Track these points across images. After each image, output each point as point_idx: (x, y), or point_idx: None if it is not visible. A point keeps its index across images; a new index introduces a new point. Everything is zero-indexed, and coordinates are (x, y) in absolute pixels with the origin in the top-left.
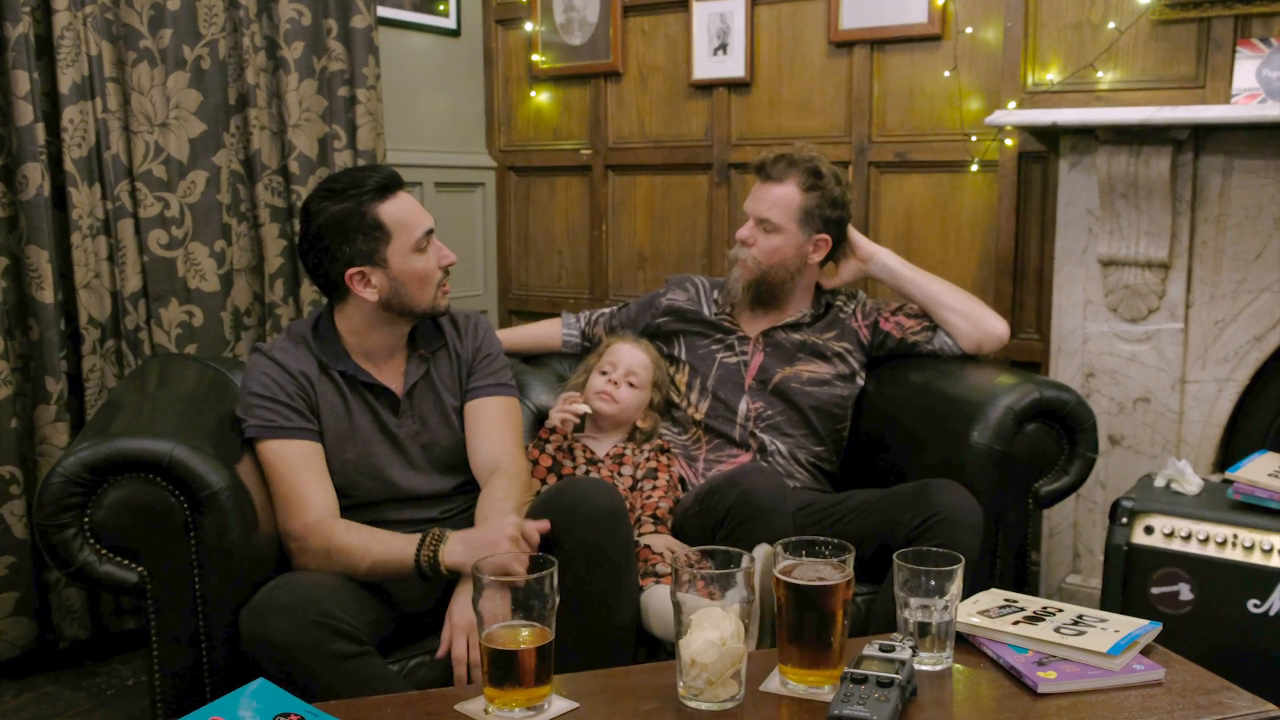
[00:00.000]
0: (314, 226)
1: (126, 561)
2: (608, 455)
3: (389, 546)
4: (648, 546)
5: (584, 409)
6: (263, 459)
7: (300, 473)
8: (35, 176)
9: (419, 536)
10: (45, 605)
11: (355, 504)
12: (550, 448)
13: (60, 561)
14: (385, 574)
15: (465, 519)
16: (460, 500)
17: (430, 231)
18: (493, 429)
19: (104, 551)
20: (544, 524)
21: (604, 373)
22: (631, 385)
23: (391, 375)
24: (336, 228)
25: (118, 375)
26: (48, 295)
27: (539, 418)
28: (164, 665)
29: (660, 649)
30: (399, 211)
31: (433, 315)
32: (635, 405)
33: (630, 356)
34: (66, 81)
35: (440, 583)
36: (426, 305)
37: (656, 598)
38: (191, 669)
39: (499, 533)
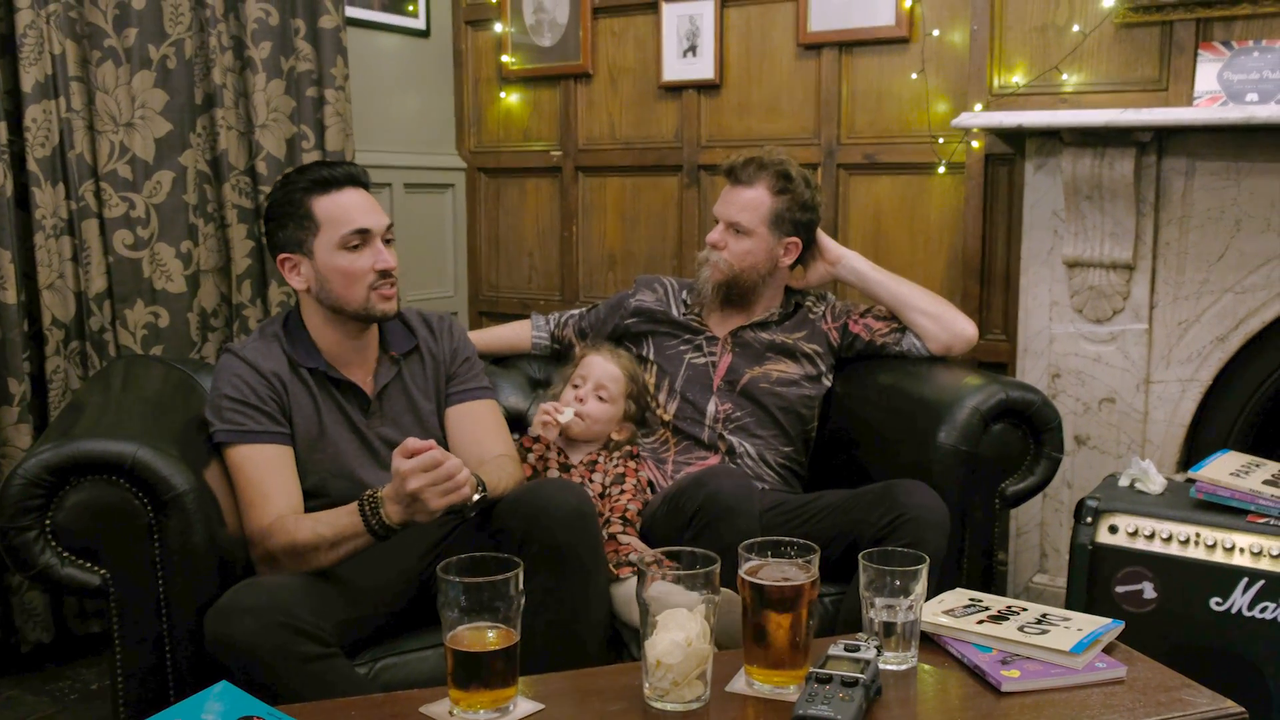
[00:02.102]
0: (265, 211)
1: (89, 564)
2: (581, 463)
3: (337, 525)
4: (614, 538)
5: (568, 415)
6: (230, 463)
7: (265, 476)
8: None
9: (356, 508)
10: (7, 608)
11: (329, 505)
12: (532, 457)
13: (21, 564)
14: (350, 550)
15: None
16: None
17: (364, 231)
18: (484, 431)
19: (66, 554)
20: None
21: (575, 385)
22: (601, 399)
23: (362, 375)
24: (275, 212)
25: (82, 377)
26: (10, 296)
27: (509, 420)
28: (127, 668)
29: (626, 650)
30: (334, 206)
31: (367, 319)
32: (606, 418)
33: (600, 369)
34: (29, 80)
35: (413, 582)
36: (356, 306)
37: (630, 586)
38: (155, 672)
39: (407, 491)
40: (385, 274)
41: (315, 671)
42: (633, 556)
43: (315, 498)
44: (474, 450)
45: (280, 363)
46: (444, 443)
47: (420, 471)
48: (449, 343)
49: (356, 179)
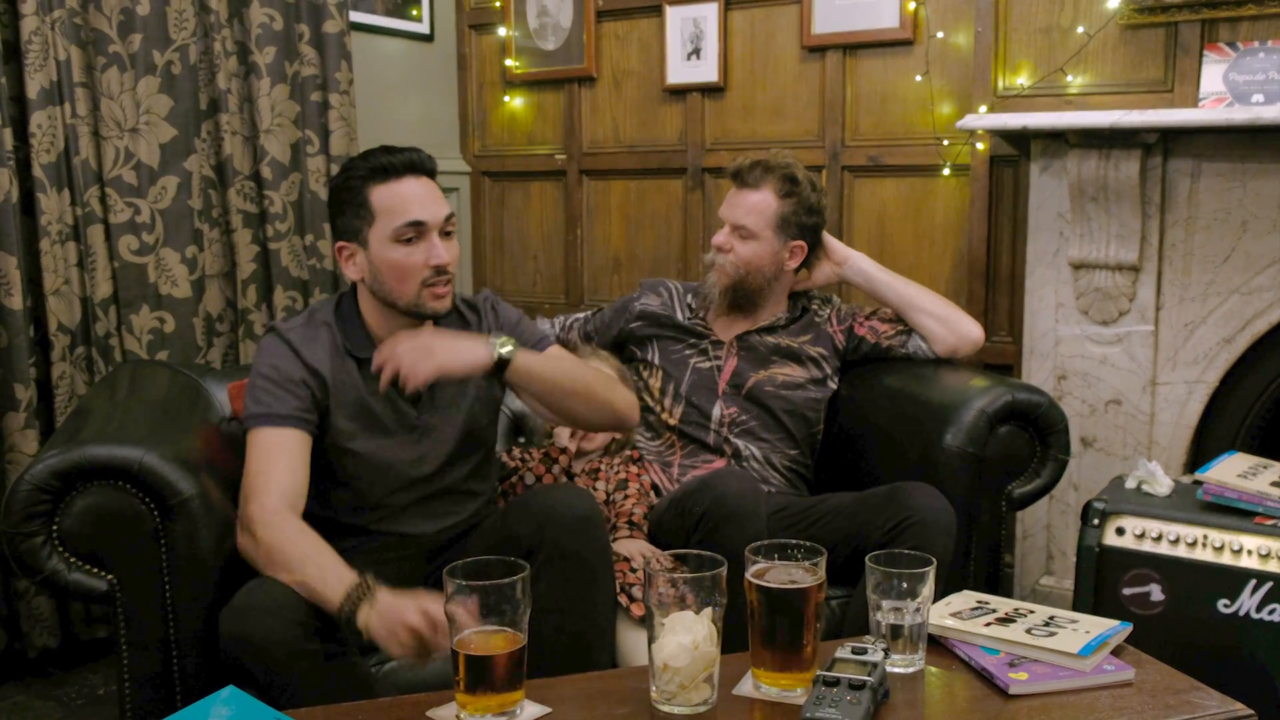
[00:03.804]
0: (328, 195)
1: (95, 569)
2: (583, 471)
3: (322, 577)
4: (626, 560)
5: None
6: (249, 444)
7: (275, 457)
8: (3, 182)
9: (352, 581)
10: (14, 614)
11: (362, 489)
12: (557, 468)
13: (28, 570)
14: (309, 595)
15: (477, 515)
16: (473, 496)
17: (418, 224)
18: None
19: (72, 559)
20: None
21: None
22: None
23: None
24: (334, 199)
25: (88, 382)
26: (16, 302)
27: (514, 423)
28: (133, 673)
29: None
30: (390, 196)
31: (418, 316)
32: None
33: None
34: (34, 86)
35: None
36: (407, 302)
37: (628, 641)
38: (161, 676)
39: (401, 614)
40: (440, 270)
41: (332, 669)
42: (636, 591)
43: (348, 485)
44: None
45: (324, 353)
46: (494, 420)
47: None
48: (494, 319)
49: (418, 166)
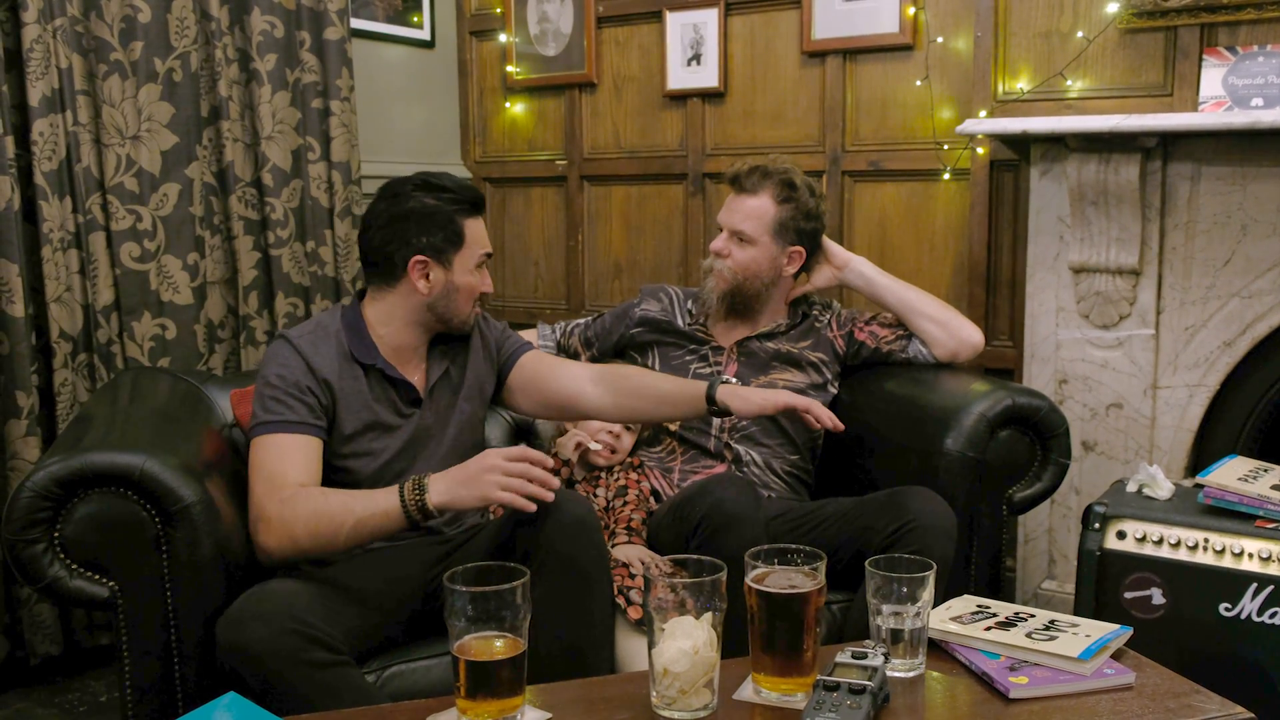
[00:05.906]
0: (401, 208)
1: (97, 576)
2: (583, 478)
3: (371, 501)
4: (625, 566)
5: (595, 447)
6: (258, 449)
7: (289, 457)
8: (5, 190)
9: (398, 487)
10: (16, 621)
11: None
12: (558, 479)
13: (29, 577)
14: (371, 532)
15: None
16: None
17: (490, 256)
18: (552, 363)
19: (74, 566)
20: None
21: None
22: (629, 429)
23: (415, 372)
24: (425, 218)
25: (90, 389)
26: (18, 309)
27: (516, 429)
28: (135, 680)
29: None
30: (477, 230)
31: (461, 331)
32: (630, 445)
33: None
34: (36, 94)
35: (420, 593)
36: (461, 320)
37: (627, 647)
38: (163, 683)
39: (478, 464)
40: (482, 297)
41: (326, 679)
42: (634, 595)
43: (353, 484)
44: (558, 376)
45: (332, 361)
46: (482, 421)
47: (516, 459)
48: (486, 328)
49: (485, 207)
